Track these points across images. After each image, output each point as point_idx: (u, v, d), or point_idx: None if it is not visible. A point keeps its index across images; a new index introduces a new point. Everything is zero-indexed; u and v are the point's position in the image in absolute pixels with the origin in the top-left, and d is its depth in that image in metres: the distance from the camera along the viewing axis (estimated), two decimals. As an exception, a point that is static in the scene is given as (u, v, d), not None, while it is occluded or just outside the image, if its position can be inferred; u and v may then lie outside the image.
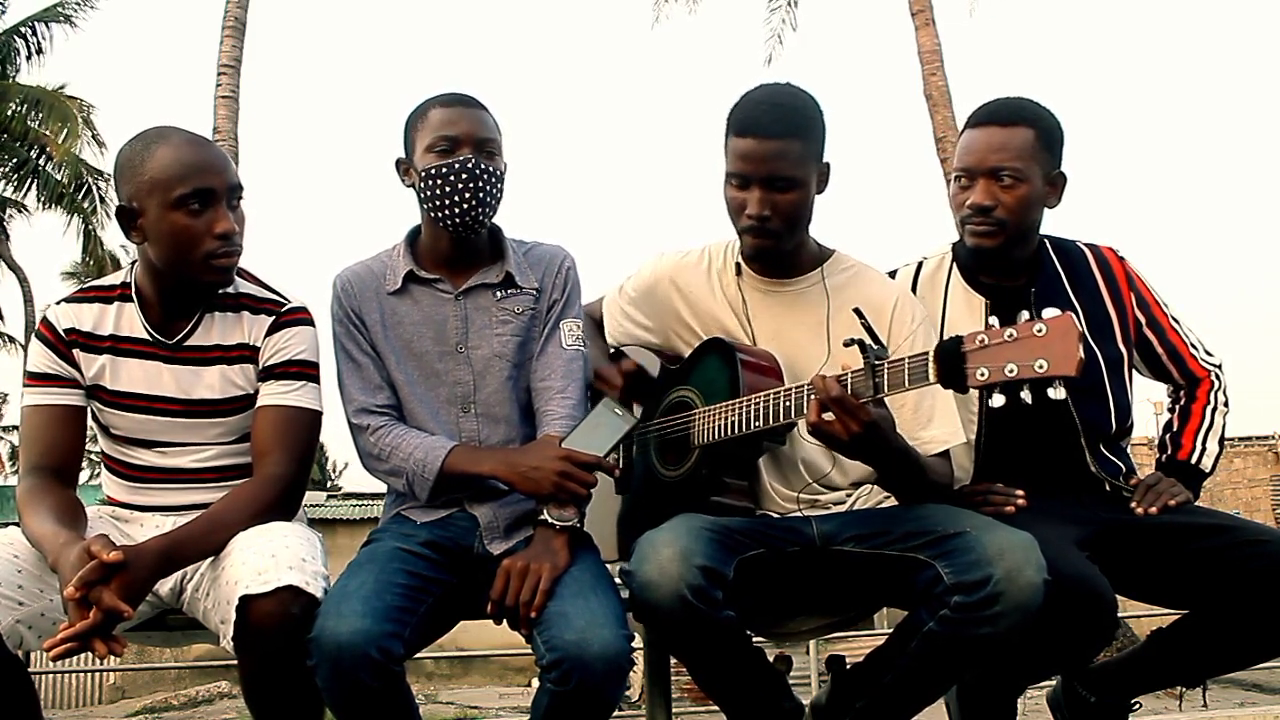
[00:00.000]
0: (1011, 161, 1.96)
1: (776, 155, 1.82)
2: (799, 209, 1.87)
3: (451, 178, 1.85)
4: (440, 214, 1.88)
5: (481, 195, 1.86)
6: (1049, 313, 1.42)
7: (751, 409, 1.76)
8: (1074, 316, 1.41)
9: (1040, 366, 1.39)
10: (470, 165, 1.85)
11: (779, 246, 1.90)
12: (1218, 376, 2.14)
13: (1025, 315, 1.44)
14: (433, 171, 1.86)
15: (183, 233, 1.76)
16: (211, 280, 1.81)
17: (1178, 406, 2.15)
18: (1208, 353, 2.15)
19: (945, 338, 1.52)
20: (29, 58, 18.40)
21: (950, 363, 1.48)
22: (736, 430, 1.79)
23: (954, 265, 2.12)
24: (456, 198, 1.85)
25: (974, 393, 1.96)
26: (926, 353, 1.52)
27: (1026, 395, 1.43)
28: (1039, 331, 1.41)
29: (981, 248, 2.00)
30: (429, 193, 1.87)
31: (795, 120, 1.85)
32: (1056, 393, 1.40)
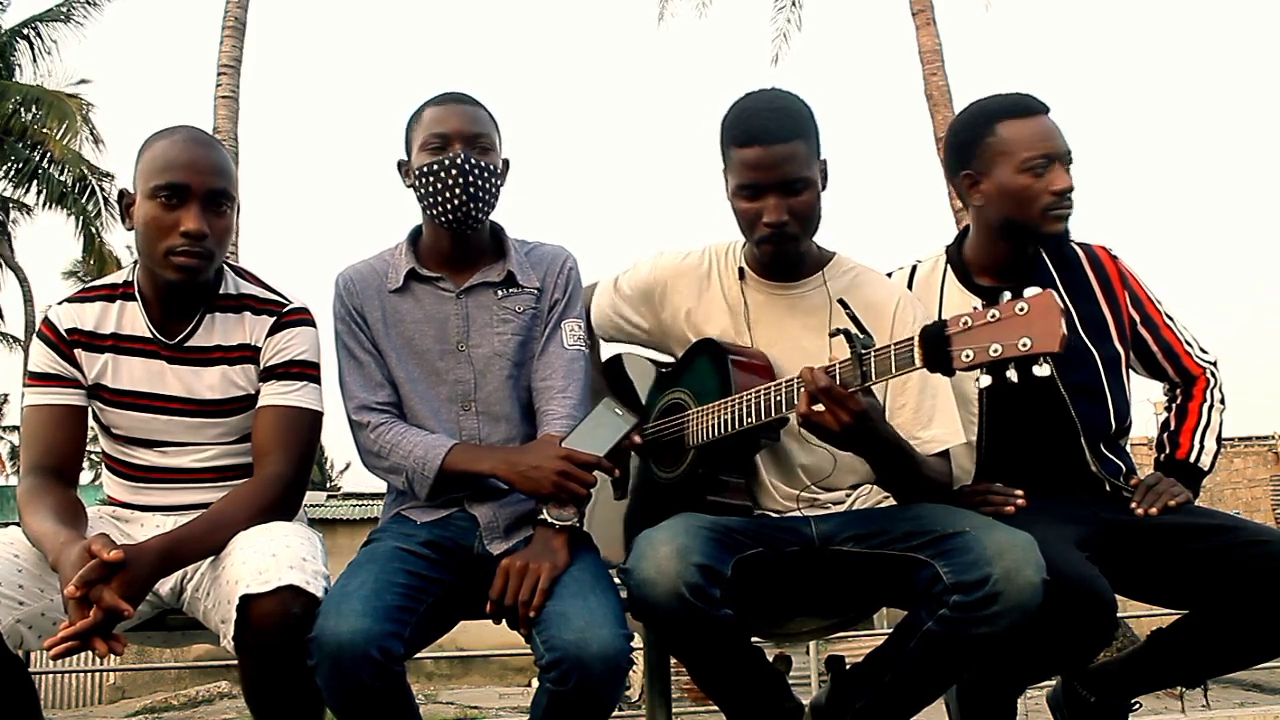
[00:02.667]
0: (1069, 146, 2.00)
1: (787, 159, 1.82)
2: (813, 208, 1.87)
3: (443, 174, 1.86)
4: (436, 210, 1.88)
5: (473, 190, 1.87)
6: (1031, 291, 1.43)
7: (743, 406, 1.77)
8: (1054, 293, 1.41)
9: (1024, 344, 1.40)
10: (460, 161, 1.86)
11: (797, 249, 1.90)
12: (1213, 374, 2.14)
13: (1007, 295, 1.45)
14: (425, 169, 1.87)
15: (151, 223, 1.78)
16: (171, 278, 1.79)
17: (1174, 405, 2.15)
18: (1202, 350, 2.15)
19: (930, 322, 1.52)
20: (33, 59, 18.41)
21: (935, 345, 1.49)
22: (729, 428, 1.79)
23: (948, 268, 2.12)
24: (449, 193, 1.86)
25: (974, 393, 1.97)
26: (911, 338, 1.52)
27: (1012, 374, 1.43)
28: (1021, 310, 1.41)
29: (1063, 232, 2.00)
30: (424, 190, 1.88)
31: (796, 122, 1.85)
32: (1042, 370, 1.41)
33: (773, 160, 1.81)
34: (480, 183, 1.87)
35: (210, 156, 1.82)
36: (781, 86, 1.92)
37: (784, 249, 1.88)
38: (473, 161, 1.87)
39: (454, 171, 1.86)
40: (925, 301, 2.08)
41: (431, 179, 1.87)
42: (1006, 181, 1.98)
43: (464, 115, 1.91)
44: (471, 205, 1.87)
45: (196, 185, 1.77)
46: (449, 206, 1.87)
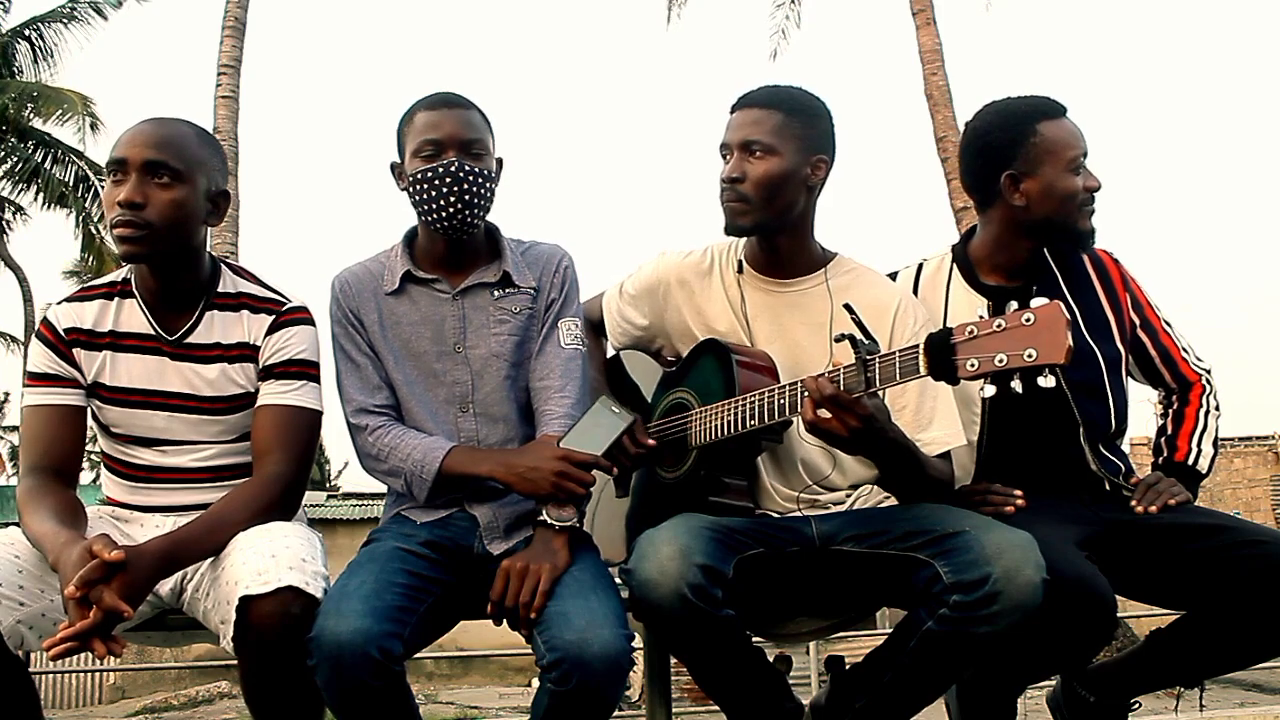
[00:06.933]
0: None
1: (753, 121, 1.89)
2: (773, 180, 1.87)
3: (437, 182, 1.85)
4: (430, 217, 1.88)
5: (468, 198, 1.86)
6: (1037, 302, 1.42)
7: (746, 408, 1.77)
8: (1061, 305, 1.41)
9: (1029, 355, 1.39)
10: (454, 169, 1.85)
11: (750, 219, 1.89)
12: (1208, 381, 2.15)
13: (1014, 305, 1.44)
14: (419, 176, 1.87)
15: (104, 201, 1.82)
16: (119, 252, 1.80)
17: (1170, 410, 2.16)
18: (1198, 358, 2.16)
19: (935, 330, 1.52)
20: (34, 60, 18.39)
21: (940, 354, 1.48)
22: (732, 430, 1.79)
23: (954, 267, 2.12)
24: (443, 201, 1.86)
25: (976, 393, 1.97)
26: (916, 345, 1.52)
27: (1017, 385, 1.43)
28: (1027, 321, 1.41)
29: (1093, 230, 2.05)
30: (418, 197, 1.88)
31: (782, 96, 1.91)
32: (1046, 381, 1.41)
33: (741, 120, 1.90)
34: (476, 189, 1.87)
35: (152, 130, 1.80)
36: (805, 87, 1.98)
37: (735, 211, 1.89)
38: (468, 169, 1.86)
39: (449, 180, 1.85)
40: (931, 301, 2.08)
41: (426, 186, 1.86)
42: (1054, 180, 1.99)
43: (458, 120, 1.89)
44: (467, 212, 1.87)
45: (133, 157, 1.77)
46: (444, 214, 1.87)
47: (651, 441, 1.91)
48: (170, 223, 1.78)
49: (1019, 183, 2.01)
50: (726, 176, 1.89)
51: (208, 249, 1.92)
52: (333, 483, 32.66)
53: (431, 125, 1.89)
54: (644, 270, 2.11)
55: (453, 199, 1.86)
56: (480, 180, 1.88)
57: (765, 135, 1.87)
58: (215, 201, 1.86)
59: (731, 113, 1.94)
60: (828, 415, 1.60)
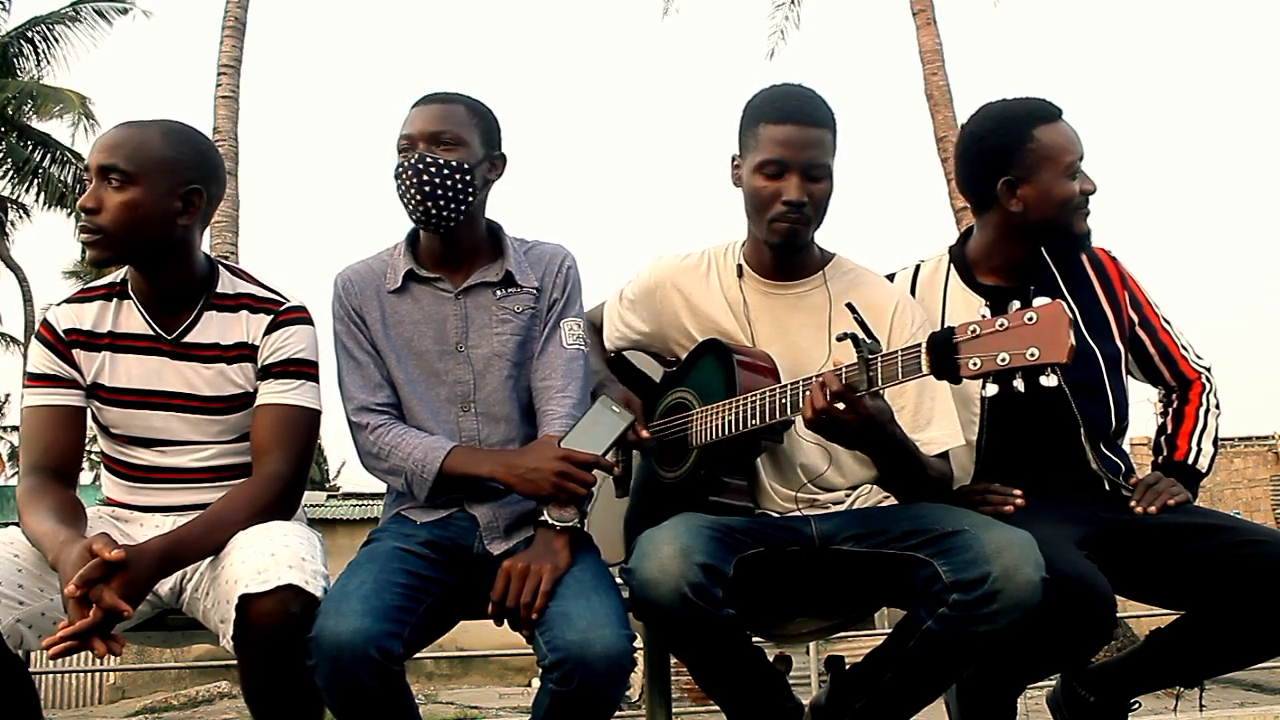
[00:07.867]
0: None
1: (816, 143, 1.85)
2: (827, 200, 1.90)
3: (403, 176, 1.86)
4: (407, 212, 1.89)
5: (428, 189, 1.84)
6: (1039, 301, 1.43)
7: (747, 408, 1.77)
8: (1064, 304, 1.41)
9: (1032, 354, 1.40)
10: (414, 161, 1.85)
11: (806, 238, 1.92)
12: (1208, 379, 2.15)
13: (1016, 304, 1.45)
14: (394, 172, 1.88)
15: None
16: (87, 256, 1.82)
17: (1170, 409, 2.15)
18: (1198, 355, 2.16)
19: (938, 329, 1.52)
20: (37, 63, 18.39)
21: (942, 353, 1.48)
22: (733, 429, 1.79)
23: (951, 268, 2.12)
24: (407, 195, 1.86)
25: (976, 393, 1.97)
26: (919, 344, 1.52)
27: (1019, 384, 1.43)
28: (1030, 320, 1.41)
29: (1089, 231, 2.04)
30: (397, 193, 1.89)
31: (827, 113, 1.90)
32: (1049, 380, 1.41)
33: (804, 140, 1.85)
34: (438, 181, 1.84)
35: (111, 135, 1.80)
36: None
37: (796, 232, 1.88)
38: (428, 160, 1.85)
39: (410, 173, 1.85)
40: (929, 301, 2.08)
41: (397, 182, 1.87)
42: (1051, 186, 1.99)
43: (430, 115, 1.89)
44: (430, 204, 1.85)
45: (93, 163, 1.78)
46: (410, 207, 1.87)
47: (647, 433, 1.92)
48: (122, 225, 1.76)
49: (1016, 188, 2.01)
50: (795, 200, 1.84)
51: (202, 249, 1.91)
52: (332, 482, 32.68)
53: (408, 122, 1.91)
54: (641, 275, 2.11)
55: (413, 190, 1.85)
56: (444, 172, 1.85)
57: (826, 157, 1.87)
58: (188, 199, 1.82)
59: (773, 124, 1.86)
60: (830, 410, 1.60)
